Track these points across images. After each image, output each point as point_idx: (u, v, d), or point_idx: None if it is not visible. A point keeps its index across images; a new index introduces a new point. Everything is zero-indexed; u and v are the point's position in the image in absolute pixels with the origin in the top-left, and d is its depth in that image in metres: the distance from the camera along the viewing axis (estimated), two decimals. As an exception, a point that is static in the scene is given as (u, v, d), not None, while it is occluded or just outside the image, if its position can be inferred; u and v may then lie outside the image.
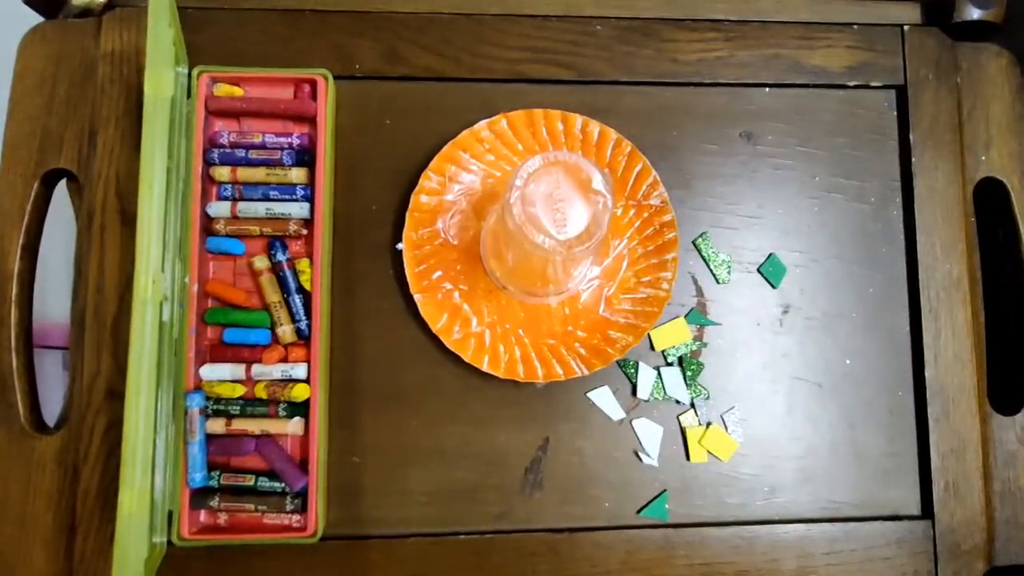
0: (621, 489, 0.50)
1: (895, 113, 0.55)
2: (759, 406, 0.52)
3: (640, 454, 0.50)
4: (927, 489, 0.51)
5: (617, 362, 0.51)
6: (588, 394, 0.51)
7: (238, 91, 0.49)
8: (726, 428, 0.51)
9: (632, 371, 0.51)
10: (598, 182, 0.41)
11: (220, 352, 0.48)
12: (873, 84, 0.55)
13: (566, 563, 0.48)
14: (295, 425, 0.47)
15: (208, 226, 0.49)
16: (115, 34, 0.50)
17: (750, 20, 0.55)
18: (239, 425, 0.47)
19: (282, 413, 0.47)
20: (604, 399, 0.50)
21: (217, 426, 0.46)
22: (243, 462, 0.48)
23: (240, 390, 0.47)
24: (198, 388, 0.46)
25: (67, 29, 0.51)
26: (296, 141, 0.49)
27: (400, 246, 0.50)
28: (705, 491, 0.50)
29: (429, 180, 0.50)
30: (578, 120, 0.51)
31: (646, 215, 0.51)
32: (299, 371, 0.47)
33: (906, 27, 0.56)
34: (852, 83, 0.55)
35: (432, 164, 0.50)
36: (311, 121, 0.50)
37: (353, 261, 0.51)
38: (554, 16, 0.54)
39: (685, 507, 0.50)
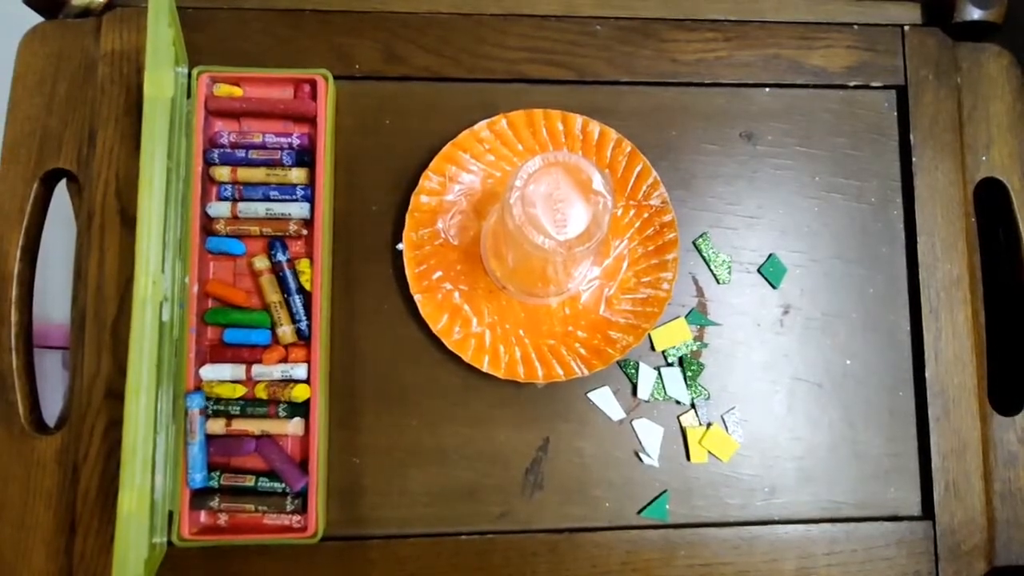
0: (621, 489, 0.50)
1: (895, 113, 0.55)
2: (759, 406, 0.52)
3: (640, 454, 0.50)
4: (927, 489, 0.51)
5: (617, 362, 0.51)
6: (588, 394, 0.51)
7: (238, 91, 0.49)
8: (726, 428, 0.51)
9: (632, 371, 0.51)
10: (598, 182, 0.41)
11: (220, 352, 0.48)
12: (873, 84, 0.55)
13: (566, 563, 0.48)
14: (295, 426, 0.47)
15: (208, 226, 0.49)
16: (115, 34, 0.50)
17: (750, 20, 0.55)
18: (239, 425, 0.47)
19: (282, 413, 0.47)
20: (604, 399, 0.50)
21: (217, 426, 0.46)
22: (243, 462, 0.48)
23: (240, 390, 0.47)
24: (198, 388, 0.46)
25: (67, 29, 0.51)
26: (296, 141, 0.49)
27: (400, 246, 0.50)
28: (705, 491, 0.50)
29: (429, 180, 0.50)
30: (578, 120, 0.51)
31: (646, 215, 0.51)
32: (299, 371, 0.47)
33: (906, 27, 0.56)
34: (852, 83, 0.55)
35: (432, 164, 0.50)
36: (311, 121, 0.50)
37: (353, 261, 0.51)
38: (554, 16, 0.54)
39: (685, 507, 0.50)
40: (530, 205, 0.41)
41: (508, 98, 0.52)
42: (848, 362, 0.52)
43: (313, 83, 0.49)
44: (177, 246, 0.46)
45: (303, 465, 0.47)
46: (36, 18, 0.52)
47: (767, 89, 0.55)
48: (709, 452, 0.51)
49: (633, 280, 0.51)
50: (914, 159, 0.54)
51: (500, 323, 0.50)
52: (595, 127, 0.51)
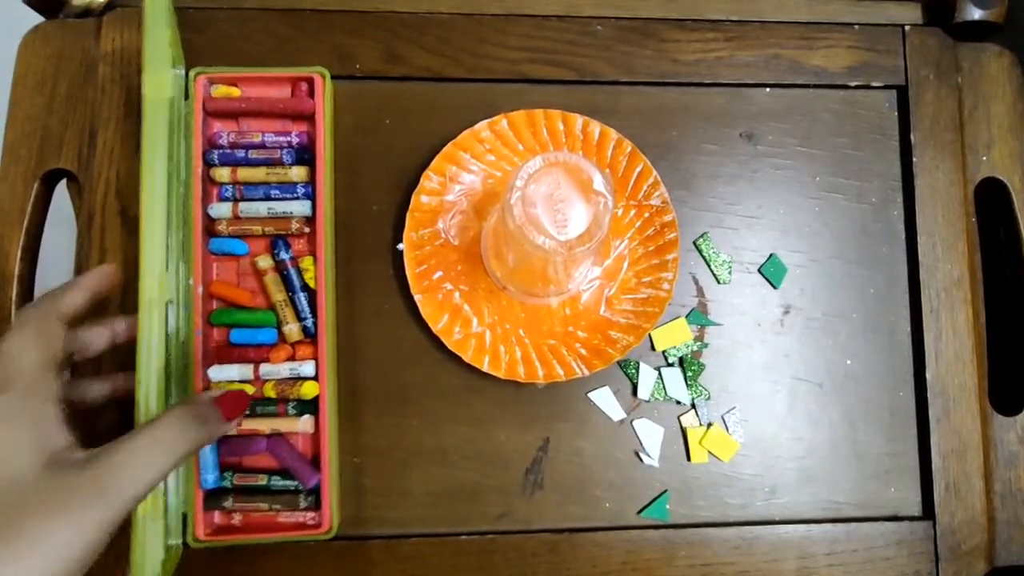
0: (622, 489, 0.50)
1: (896, 113, 0.55)
2: (760, 406, 0.52)
3: (641, 454, 0.50)
4: (928, 489, 0.51)
5: (618, 362, 0.51)
6: (589, 394, 0.51)
7: (236, 91, 0.49)
8: (727, 428, 0.51)
9: (633, 371, 0.51)
10: (599, 182, 0.41)
11: (227, 353, 0.48)
12: (874, 84, 0.55)
13: (567, 563, 0.48)
14: (305, 423, 0.47)
15: (210, 227, 0.49)
16: (115, 34, 0.50)
17: (750, 20, 0.55)
18: (249, 425, 0.47)
19: (292, 411, 0.47)
20: (605, 399, 0.50)
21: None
22: (255, 462, 0.48)
23: (249, 390, 0.47)
24: (207, 389, 0.46)
25: (67, 29, 0.51)
26: (295, 139, 0.49)
27: (401, 246, 0.50)
28: (706, 491, 0.50)
29: (429, 180, 0.50)
30: (578, 120, 0.51)
31: (647, 215, 0.51)
32: (307, 369, 0.47)
33: (907, 27, 0.56)
34: (853, 83, 0.55)
35: (432, 164, 0.50)
36: (310, 119, 0.50)
37: (354, 262, 0.51)
38: (554, 16, 0.54)
39: (686, 507, 0.50)
40: (531, 205, 0.41)
41: (508, 98, 0.52)
42: (848, 362, 0.52)
43: (311, 81, 0.49)
44: (180, 248, 0.46)
45: (315, 462, 0.47)
46: (36, 18, 0.52)
47: (767, 89, 0.55)
48: (709, 452, 0.51)
49: (633, 280, 0.51)
50: (915, 159, 0.54)
51: (500, 323, 0.50)
52: (595, 127, 0.51)
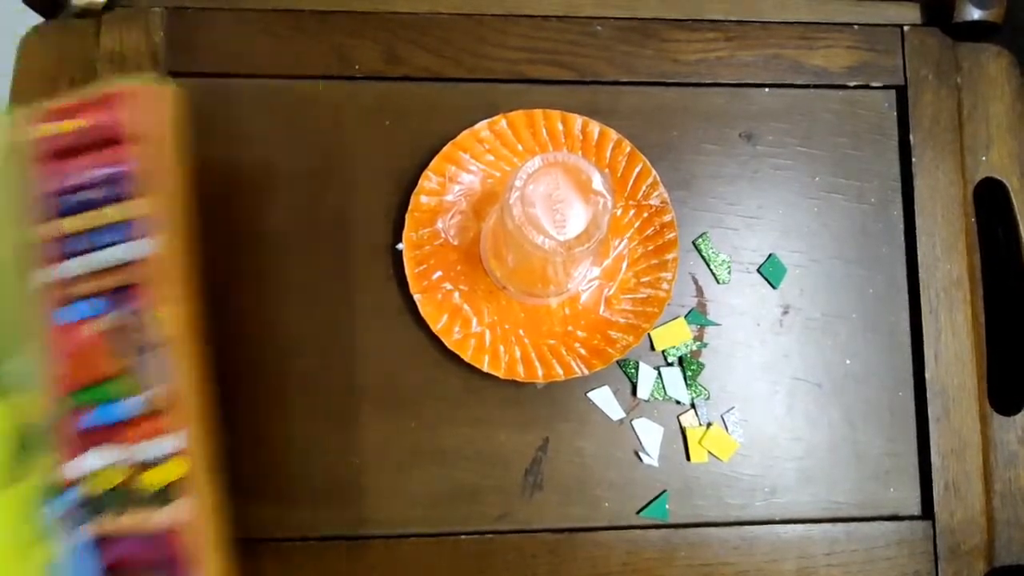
0: (621, 489, 0.50)
1: (895, 113, 0.55)
2: (759, 406, 0.52)
3: (640, 454, 0.50)
4: (927, 489, 0.51)
5: (617, 362, 0.51)
6: (588, 394, 0.51)
7: (72, 125, 0.40)
8: (726, 428, 0.51)
9: (632, 371, 0.51)
10: (598, 183, 0.41)
11: (93, 437, 0.39)
12: (873, 84, 0.55)
13: (566, 564, 0.48)
14: (170, 512, 0.38)
15: (54, 294, 0.39)
16: (115, 34, 0.50)
17: (750, 20, 0.55)
18: (115, 523, 0.38)
19: (157, 500, 0.38)
20: (604, 399, 0.50)
21: (96, 527, 0.38)
22: (128, 566, 0.39)
23: (114, 478, 0.39)
24: (69, 486, 0.38)
25: (67, 29, 0.51)
26: (131, 168, 0.40)
27: (400, 246, 0.50)
28: (705, 491, 0.50)
29: (429, 180, 0.50)
30: (578, 120, 0.51)
31: (646, 215, 0.51)
32: (166, 445, 0.39)
33: (906, 27, 0.56)
34: (852, 83, 0.55)
35: (432, 164, 0.50)
36: (152, 140, 0.41)
37: (352, 262, 0.51)
38: (554, 16, 0.54)
39: (686, 507, 0.50)
40: (530, 205, 0.41)
41: (508, 98, 0.52)
42: (848, 362, 0.52)
43: (135, 95, 0.40)
44: (22, 329, 0.39)
45: (194, 561, 0.38)
46: (36, 18, 0.52)
47: (767, 89, 0.55)
48: (709, 452, 0.51)
49: (633, 280, 0.51)
50: (914, 159, 0.54)
51: (500, 323, 0.50)
52: (595, 127, 0.51)
